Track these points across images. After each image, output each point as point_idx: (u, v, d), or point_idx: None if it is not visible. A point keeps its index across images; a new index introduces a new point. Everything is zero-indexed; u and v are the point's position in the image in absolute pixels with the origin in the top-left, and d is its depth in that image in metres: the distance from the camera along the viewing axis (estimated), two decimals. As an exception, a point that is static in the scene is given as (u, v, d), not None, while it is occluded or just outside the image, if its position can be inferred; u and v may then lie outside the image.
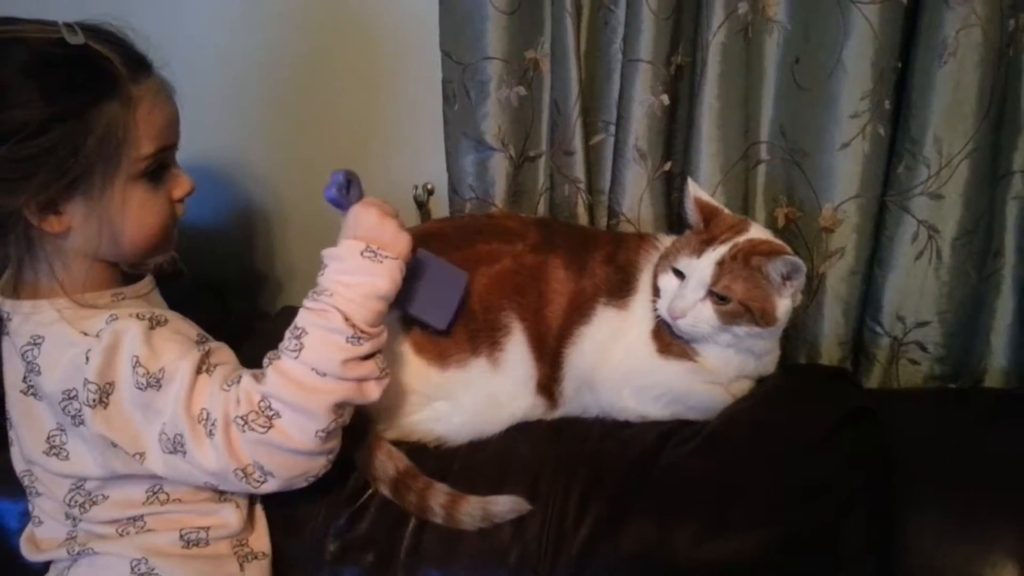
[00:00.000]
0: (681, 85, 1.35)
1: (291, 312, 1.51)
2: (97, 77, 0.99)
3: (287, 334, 1.00)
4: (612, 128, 1.39)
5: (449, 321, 1.16)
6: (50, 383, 1.00)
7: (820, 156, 1.30)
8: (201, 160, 1.11)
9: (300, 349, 0.97)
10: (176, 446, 0.98)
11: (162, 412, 0.98)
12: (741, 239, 1.16)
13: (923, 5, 1.21)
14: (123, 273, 1.11)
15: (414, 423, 1.21)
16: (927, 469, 1.16)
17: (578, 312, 1.21)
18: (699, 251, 1.16)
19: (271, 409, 0.96)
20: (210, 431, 0.97)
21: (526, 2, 1.34)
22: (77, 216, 1.01)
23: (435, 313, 1.14)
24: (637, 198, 1.37)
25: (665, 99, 1.32)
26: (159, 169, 1.05)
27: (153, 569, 1.04)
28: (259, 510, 1.15)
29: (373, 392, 1.01)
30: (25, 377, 1.04)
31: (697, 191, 1.22)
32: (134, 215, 1.03)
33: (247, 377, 0.99)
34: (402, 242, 1.04)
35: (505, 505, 1.11)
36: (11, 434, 1.11)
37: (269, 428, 0.96)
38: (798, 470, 1.12)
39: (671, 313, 1.15)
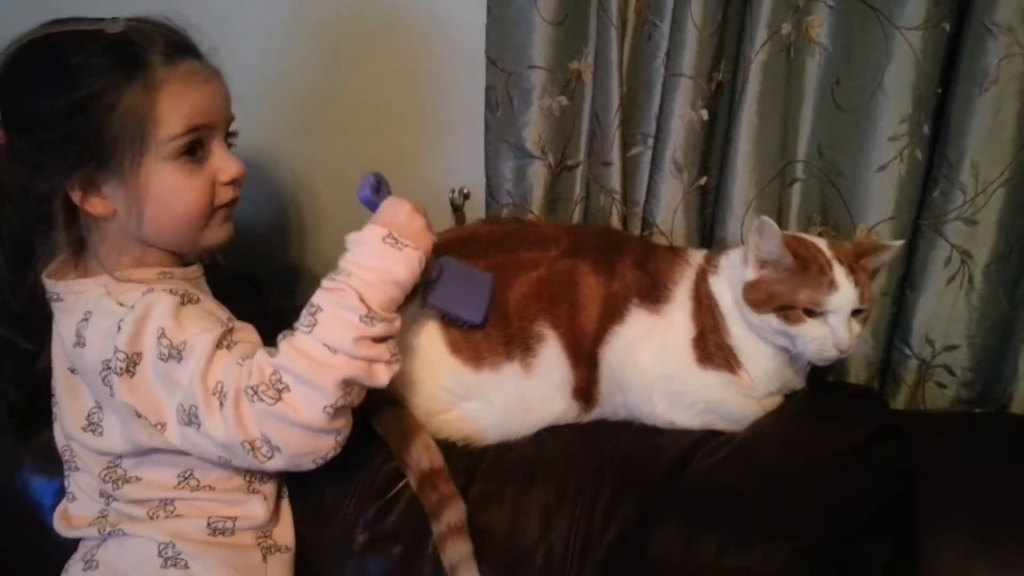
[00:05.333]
0: (720, 101, 1.37)
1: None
2: (120, 63, 1.01)
3: (303, 312, 1.00)
4: (650, 141, 1.39)
5: (483, 316, 1.18)
6: (91, 354, 1.02)
7: (856, 177, 1.31)
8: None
9: (314, 325, 0.98)
10: (191, 418, 0.98)
11: (180, 384, 0.98)
12: (828, 251, 1.17)
13: (966, 33, 1.21)
14: (180, 259, 1.13)
15: (444, 421, 1.22)
16: (950, 491, 1.16)
17: (612, 312, 1.21)
18: (830, 284, 1.14)
19: (281, 382, 0.96)
20: (220, 402, 0.97)
21: (572, 14, 1.35)
22: (118, 198, 1.04)
23: (468, 309, 1.17)
24: (671, 211, 1.38)
25: (704, 114, 1.33)
26: (199, 151, 1.06)
27: (179, 553, 1.05)
28: (285, 504, 1.16)
29: (382, 375, 1.01)
30: (71, 354, 1.06)
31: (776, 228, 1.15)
32: (164, 196, 1.05)
33: (261, 351, 1.00)
34: (426, 238, 1.05)
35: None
36: (55, 410, 1.13)
37: (278, 400, 0.95)
38: (824, 485, 1.12)
39: (845, 350, 1.15)
